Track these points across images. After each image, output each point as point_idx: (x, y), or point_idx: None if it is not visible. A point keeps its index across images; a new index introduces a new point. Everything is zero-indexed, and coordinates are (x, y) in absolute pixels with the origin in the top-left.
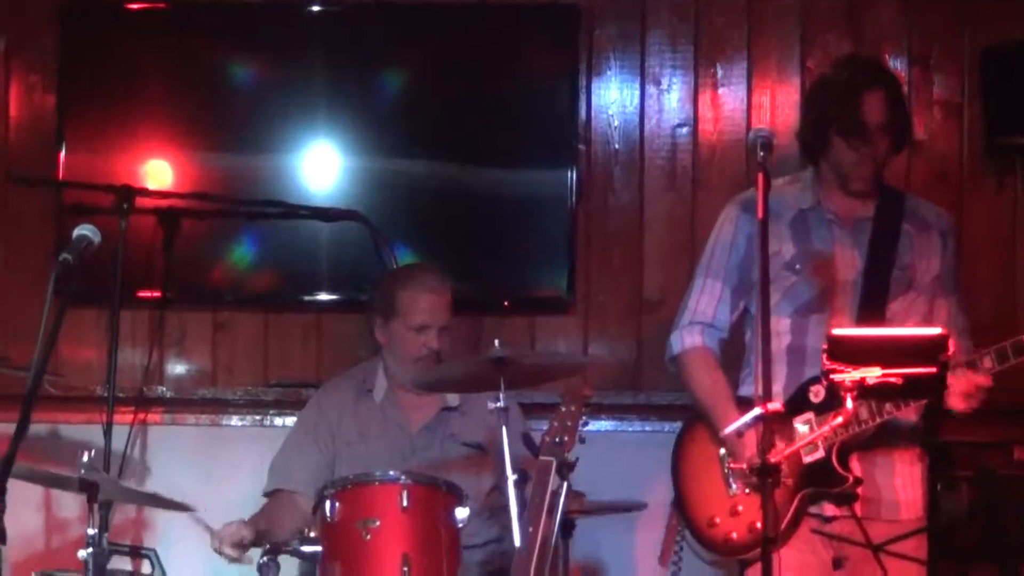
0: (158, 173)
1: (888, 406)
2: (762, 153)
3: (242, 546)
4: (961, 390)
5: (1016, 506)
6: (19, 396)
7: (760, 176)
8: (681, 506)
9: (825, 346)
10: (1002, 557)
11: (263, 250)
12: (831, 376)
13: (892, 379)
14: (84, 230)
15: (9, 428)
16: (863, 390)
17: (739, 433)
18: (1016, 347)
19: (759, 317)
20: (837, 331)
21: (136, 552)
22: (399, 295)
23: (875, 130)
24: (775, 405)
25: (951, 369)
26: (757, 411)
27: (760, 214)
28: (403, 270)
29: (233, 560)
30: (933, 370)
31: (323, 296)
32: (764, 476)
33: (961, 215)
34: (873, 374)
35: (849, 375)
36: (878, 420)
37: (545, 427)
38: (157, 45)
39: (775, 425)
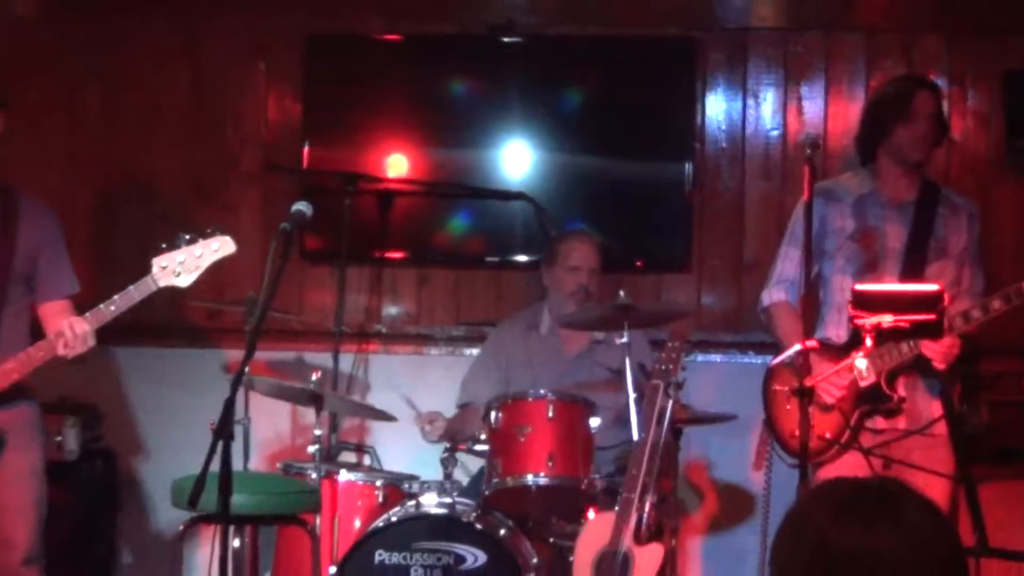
0: (390, 163)
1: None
2: (809, 151)
3: (434, 426)
4: (940, 352)
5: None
6: (271, 331)
7: (806, 168)
8: (769, 423)
9: (850, 298)
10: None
11: (464, 223)
12: (854, 321)
13: (901, 324)
14: (299, 206)
15: (270, 355)
16: (879, 332)
17: (784, 364)
18: (1017, 292)
19: (803, 278)
20: (858, 286)
21: (359, 448)
22: (559, 246)
23: (923, 117)
24: (811, 343)
25: (949, 326)
26: (796, 347)
27: (805, 196)
28: (564, 231)
29: (427, 436)
30: (932, 317)
31: (500, 258)
32: (801, 396)
33: (987, 200)
34: (887, 320)
35: (868, 320)
36: (916, 352)
37: None
38: (388, 66)
39: (835, 357)
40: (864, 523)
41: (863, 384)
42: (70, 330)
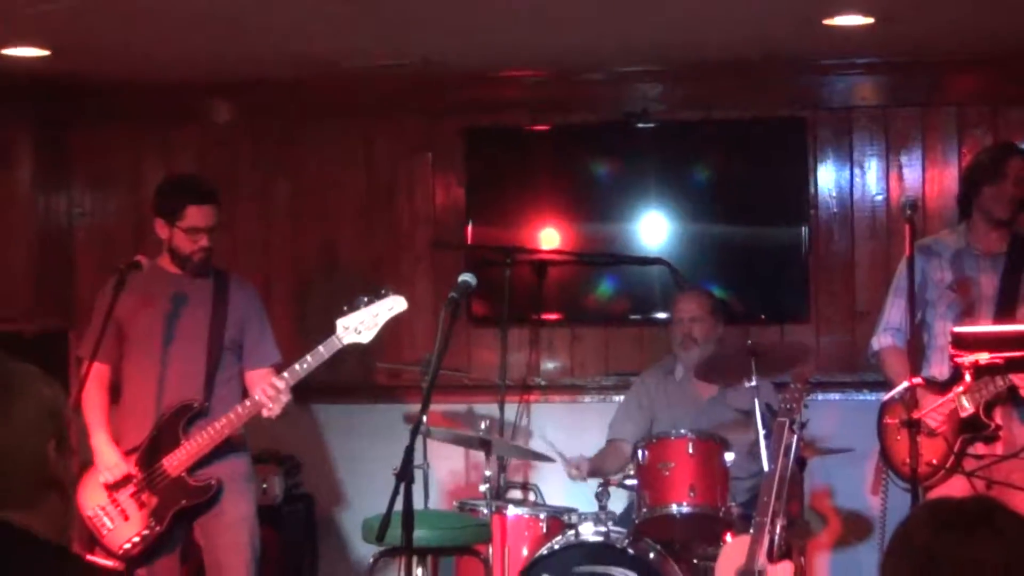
0: (543, 237)
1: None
2: (909, 211)
3: (580, 470)
4: None
5: None
6: (444, 386)
7: (907, 227)
8: (884, 453)
9: (950, 340)
10: None
11: (610, 287)
12: (955, 359)
13: (997, 360)
14: (465, 276)
15: (444, 407)
16: (978, 369)
17: (894, 400)
18: None
19: (908, 324)
20: (958, 328)
21: (524, 486)
22: (672, 304)
23: (1011, 180)
24: (917, 380)
25: None
26: (905, 384)
27: (907, 251)
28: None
29: (574, 478)
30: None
31: (642, 316)
32: (910, 427)
33: None
34: (983, 357)
35: (967, 358)
36: (1009, 384)
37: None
38: (537, 152)
39: (940, 392)
40: (964, 536)
41: (963, 415)
42: (271, 387)
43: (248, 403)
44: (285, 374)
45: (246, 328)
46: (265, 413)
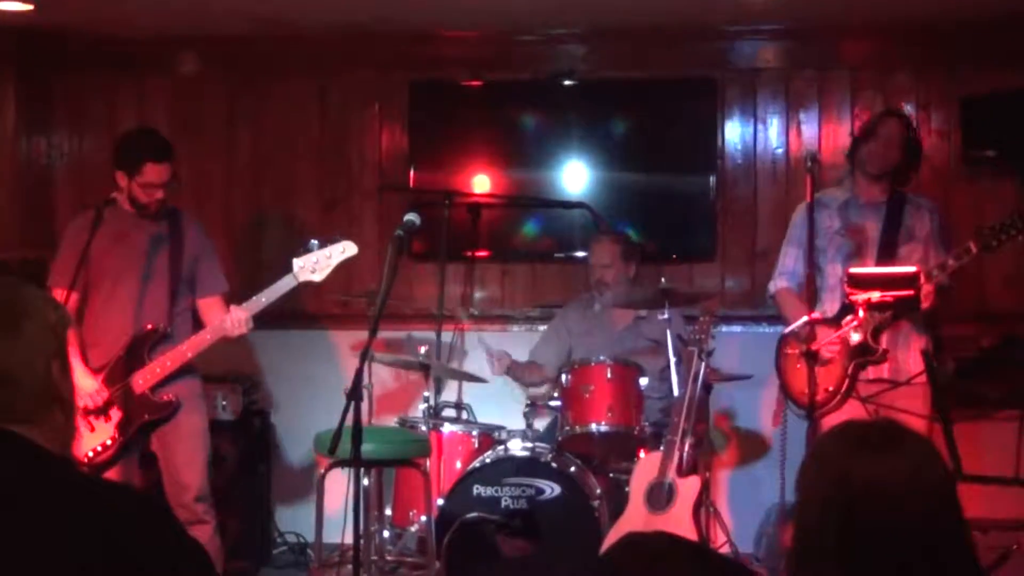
0: (478, 182)
1: None
2: (810, 163)
3: (500, 362)
4: (923, 295)
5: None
6: (387, 316)
7: (808, 178)
8: (783, 385)
9: (844, 279)
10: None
11: (536, 227)
12: (849, 297)
13: (887, 299)
14: (410, 216)
15: (388, 335)
16: (870, 305)
17: (794, 333)
18: (965, 250)
19: (808, 267)
20: (853, 269)
21: (458, 406)
22: (589, 247)
23: (881, 138)
24: (816, 315)
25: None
26: (804, 319)
27: (808, 197)
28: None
29: (492, 369)
30: (911, 292)
31: (565, 254)
32: (808, 358)
33: (948, 199)
34: (875, 296)
35: (860, 296)
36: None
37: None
38: (474, 105)
39: (832, 326)
40: (874, 454)
41: (853, 344)
42: (233, 316)
43: (211, 329)
44: (245, 304)
45: (199, 262)
46: (230, 333)
